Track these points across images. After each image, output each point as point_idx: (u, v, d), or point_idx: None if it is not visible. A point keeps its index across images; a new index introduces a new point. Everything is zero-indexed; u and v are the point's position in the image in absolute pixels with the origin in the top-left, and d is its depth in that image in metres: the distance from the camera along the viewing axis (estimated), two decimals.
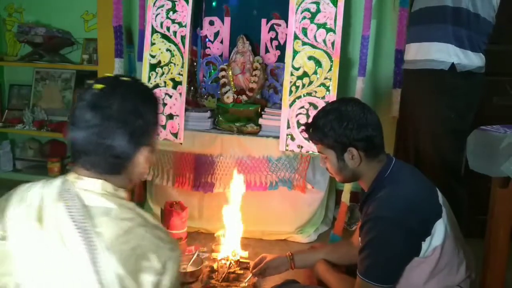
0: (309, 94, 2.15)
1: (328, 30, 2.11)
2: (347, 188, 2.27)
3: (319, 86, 2.14)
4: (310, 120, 1.44)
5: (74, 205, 0.81)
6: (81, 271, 0.77)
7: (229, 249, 1.96)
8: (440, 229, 1.25)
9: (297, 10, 2.14)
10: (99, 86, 0.87)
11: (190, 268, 1.84)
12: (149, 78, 2.31)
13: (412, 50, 1.91)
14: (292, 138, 2.16)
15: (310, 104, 2.14)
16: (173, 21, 2.28)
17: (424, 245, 1.23)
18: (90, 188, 0.85)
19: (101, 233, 0.78)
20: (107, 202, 0.84)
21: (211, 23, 2.58)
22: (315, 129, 1.37)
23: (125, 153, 0.88)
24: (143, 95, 0.93)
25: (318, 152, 1.42)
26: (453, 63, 1.73)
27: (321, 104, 2.07)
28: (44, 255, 0.79)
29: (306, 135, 1.46)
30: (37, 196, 0.84)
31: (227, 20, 2.56)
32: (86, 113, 0.85)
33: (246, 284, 1.61)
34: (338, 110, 1.33)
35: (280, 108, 2.23)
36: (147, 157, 0.93)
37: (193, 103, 2.53)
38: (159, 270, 0.81)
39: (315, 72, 2.13)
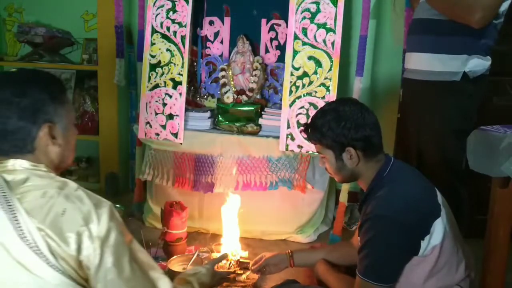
0: (309, 94, 2.15)
1: (328, 30, 2.11)
2: (345, 188, 2.27)
3: (319, 86, 2.14)
4: (309, 120, 1.44)
5: None
6: (3, 232, 0.87)
7: (229, 249, 1.96)
8: (439, 228, 1.25)
9: (297, 10, 2.14)
10: None
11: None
12: (149, 78, 2.31)
13: (417, 60, 1.87)
14: (292, 138, 2.16)
15: (310, 104, 2.14)
16: (173, 21, 2.28)
17: (423, 244, 1.24)
18: (10, 167, 0.97)
19: (20, 199, 0.90)
20: (23, 174, 0.95)
21: (211, 23, 2.58)
22: (313, 129, 1.37)
23: (23, 133, 0.97)
24: (26, 77, 1.01)
25: (317, 152, 1.43)
26: (464, 72, 1.73)
27: (321, 104, 2.07)
28: None
29: (306, 135, 1.47)
30: None
31: (227, 20, 2.56)
32: None
33: (245, 277, 1.61)
34: (336, 110, 1.34)
35: (280, 108, 2.23)
36: (50, 134, 1.00)
37: (193, 103, 2.53)
38: (84, 222, 0.89)
39: (315, 72, 2.14)
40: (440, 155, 1.80)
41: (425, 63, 1.84)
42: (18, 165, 0.97)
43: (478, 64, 1.73)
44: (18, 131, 0.96)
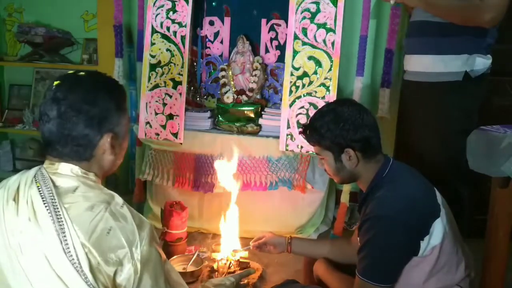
0: (309, 94, 2.15)
1: (328, 30, 2.11)
2: (346, 188, 2.27)
3: (319, 86, 2.14)
4: (307, 122, 1.44)
5: (46, 186, 0.92)
6: (48, 241, 0.86)
7: (229, 249, 1.96)
8: (438, 228, 1.25)
9: (297, 10, 2.14)
10: (56, 82, 0.98)
11: (190, 268, 1.84)
12: (149, 78, 2.31)
13: (418, 62, 1.87)
14: (292, 138, 2.16)
15: (310, 104, 2.14)
16: (173, 21, 2.28)
17: (423, 244, 1.24)
18: (61, 171, 0.96)
19: (68, 208, 0.89)
20: (74, 182, 0.94)
21: (211, 23, 2.58)
22: (312, 130, 1.38)
23: (86, 140, 0.97)
24: (97, 85, 1.00)
25: (316, 153, 1.43)
26: (466, 71, 1.73)
27: (321, 104, 2.07)
28: (18, 229, 0.88)
29: (304, 137, 1.47)
30: (15, 181, 0.95)
31: (227, 20, 2.56)
32: (47, 108, 0.96)
33: (247, 282, 1.62)
34: (334, 111, 1.34)
35: (280, 108, 2.23)
36: (111, 143, 1.00)
37: (193, 103, 2.53)
38: (126, 245, 0.88)
39: (315, 72, 2.14)
40: (443, 155, 1.79)
41: (426, 65, 1.83)
42: (69, 170, 0.96)
43: (479, 63, 1.73)
44: (82, 138, 0.96)
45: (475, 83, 1.74)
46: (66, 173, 0.96)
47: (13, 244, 0.88)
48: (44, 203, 0.88)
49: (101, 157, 1.01)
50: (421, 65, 1.86)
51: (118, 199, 0.95)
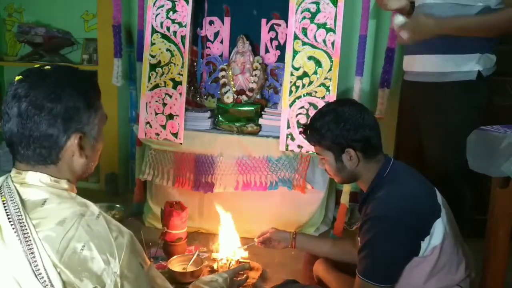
0: (309, 94, 2.15)
1: (328, 30, 2.11)
2: (346, 189, 2.27)
3: (319, 86, 2.14)
4: (308, 121, 1.44)
5: (12, 200, 0.83)
6: (17, 264, 0.78)
7: (229, 249, 1.96)
8: (439, 228, 1.25)
9: (297, 10, 2.14)
10: (17, 77, 0.88)
11: (190, 268, 1.84)
12: (149, 78, 2.31)
13: (425, 62, 1.83)
14: (292, 138, 2.16)
15: (310, 104, 2.14)
16: (173, 21, 2.28)
17: (423, 245, 1.24)
18: (28, 181, 0.87)
19: (37, 225, 0.80)
20: (43, 194, 0.85)
21: (211, 23, 2.58)
22: (313, 130, 1.37)
23: (50, 142, 0.87)
24: (63, 80, 0.89)
25: (316, 153, 1.43)
26: (479, 71, 1.72)
27: (321, 104, 2.07)
28: None
29: (305, 137, 1.46)
30: None
31: (227, 20, 2.56)
32: (7, 106, 0.86)
33: (246, 277, 1.62)
34: (334, 111, 1.33)
35: (280, 108, 2.23)
36: (80, 144, 0.90)
37: (193, 103, 2.53)
38: (103, 260, 0.81)
39: (315, 72, 2.14)
40: (454, 156, 1.75)
41: (435, 65, 1.79)
42: (38, 180, 0.87)
43: (488, 62, 1.72)
44: (46, 139, 0.86)
45: (485, 82, 1.73)
46: (34, 183, 0.87)
47: None
48: (10, 221, 0.80)
49: (71, 160, 0.91)
50: (428, 65, 1.82)
51: (93, 209, 0.87)
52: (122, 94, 2.83)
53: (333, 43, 2.11)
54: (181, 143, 2.28)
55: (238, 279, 1.50)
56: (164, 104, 2.28)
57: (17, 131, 0.86)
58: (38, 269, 0.78)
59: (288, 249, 1.74)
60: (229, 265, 1.87)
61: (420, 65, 1.86)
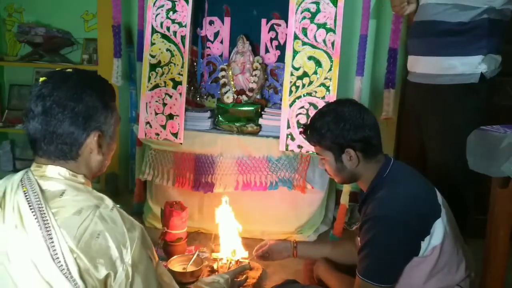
0: (309, 94, 2.15)
1: (328, 30, 2.11)
2: (346, 189, 2.27)
3: (319, 86, 2.14)
4: (308, 122, 1.44)
5: (32, 190, 0.89)
6: (36, 248, 0.84)
7: (229, 249, 1.96)
8: (439, 228, 1.25)
9: (297, 10, 2.14)
10: (42, 79, 0.96)
11: (190, 268, 1.84)
12: (149, 78, 2.31)
13: (427, 64, 1.84)
14: (292, 138, 2.16)
15: (310, 104, 2.14)
16: (173, 21, 2.28)
17: (423, 245, 1.24)
18: (48, 174, 0.94)
19: (55, 213, 0.87)
20: (61, 186, 0.92)
21: (211, 23, 2.58)
22: (313, 130, 1.37)
23: (72, 139, 0.94)
24: (84, 82, 0.98)
25: (316, 153, 1.43)
26: (482, 73, 1.71)
27: (321, 104, 2.07)
28: (5, 237, 0.87)
29: (305, 137, 1.46)
30: (1, 186, 0.93)
31: (227, 20, 2.56)
32: (32, 105, 0.93)
33: (245, 277, 1.61)
34: (334, 111, 1.34)
35: (280, 108, 2.23)
36: (98, 142, 0.98)
37: (193, 103, 2.53)
38: (116, 249, 0.86)
39: (315, 72, 2.13)
40: (456, 157, 1.75)
41: (437, 67, 1.79)
42: (57, 173, 0.94)
43: (492, 63, 1.71)
44: (68, 135, 0.94)
45: (488, 84, 1.72)
46: (53, 176, 0.94)
47: (0, 252, 0.86)
48: (31, 209, 0.87)
49: (89, 157, 0.99)
50: (429, 66, 1.82)
51: (108, 202, 0.93)
52: (122, 94, 2.83)
53: (333, 43, 2.11)
54: (181, 143, 2.28)
55: (238, 279, 1.50)
56: (164, 104, 2.28)
57: (41, 128, 0.93)
58: (56, 254, 0.83)
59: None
60: (229, 265, 1.87)
61: (423, 67, 1.85)
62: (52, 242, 0.84)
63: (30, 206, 0.87)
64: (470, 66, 1.72)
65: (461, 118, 1.75)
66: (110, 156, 1.06)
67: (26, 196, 0.88)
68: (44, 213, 0.86)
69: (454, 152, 1.76)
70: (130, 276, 0.87)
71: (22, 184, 0.91)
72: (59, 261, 0.83)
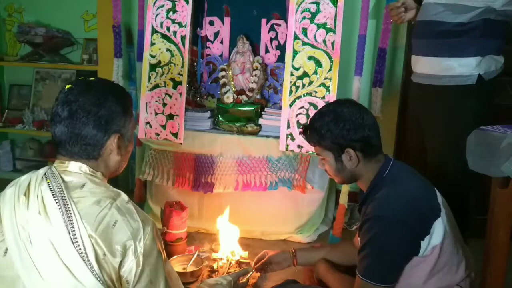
0: (309, 94, 2.14)
1: (328, 30, 2.11)
2: (345, 189, 2.26)
3: (319, 86, 2.14)
4: (307, 122, 1.44)
5: (56, 181, 0.97)
6: (57, 232, 0.91)
7: (229, 249, 1.96)
8: (439, 228, 1.25)
9: (297, 10, 2.14)
10: (68, 86, 1.06)
11: (190, 268, 1.84)
12: (149, 78, 2.31)
13: (427, 64, 1.84)
14: (292, 138, 2.16)
15: (310, 104, 2.14)
16: (173, 21, 2.28)
17: (423, 244, 1.24)
18: (70, 169, 1.03)
19: (76, 202, 0.95)
20: (82, 179, 1.01)
21: (211, 23, 2.58)
22: (312, 131, 1.37)
23: (94, 140, 1.04)
24: (106, 89, 1.08)
25: (316, 154, 1.43)
26: (479, 74, 1.71)
27: (321, 104, 2.07)
28: (28, 222, 0.93)
29: (305, 137, 1.46)
30: (26, 179, 1.00)
31: (227, 20, 2.56)
32: (59, 110, 1.02)
33: (247, 279, 1.61)
34: (334, 112, 1.34)
35: (280, 108, 2.23)
36: (118, 144, 1.08)
37: (193, 103, 2.53)
38: (131, 238, 0.94)
39: (315, 72, 2.13)
40: (455, 158, 1.75)
41: (436, 67, 1.79)
42: (78, 168, 1.03)
43: (492, 65, 1.71)
44: (91, 137, 1.03)
45: (489, 86, 1.72)
46: (75, 170, 1.02)
47: (23, 237, 0.91)
48: (54, 197, 0.94)
49: (108, 157, 1.08)
50: (430, 67, 1.82)
51: (124, 196, 1.02)
52: None
53: (333, 43, 2.11)
54: (181, 143, 2.28)
55: (240, 281, 1.51)
56: (164, 104, 2.28)
57: (67, 131, 1.02)
58: (76, 238, 0.90)
59: (287, 249, 1.73)
60: (229, 265, 1.87)
61: (423, 67, 1.85)
62: (73, 227, 0.90)
63: (53, 195, 0.94)
64: (467, 67, 1.71)
65: (459, 120, 1.75)
66: (127, 157, 1.17)
67: (50, 186, 0.96)
68: (67, 201, 0.93)
69: (453, 153, 1.76)
70: (141, 265, 0.94)
71: (46, 177, 0.98)
72: (78, 245, 0.89)
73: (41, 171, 1.01)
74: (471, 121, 1.70)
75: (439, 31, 1.76)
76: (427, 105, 1.87)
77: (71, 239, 0.90)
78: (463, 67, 1.72)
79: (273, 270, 1.68)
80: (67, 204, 0.93)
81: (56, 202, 0.93)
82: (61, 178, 0.99)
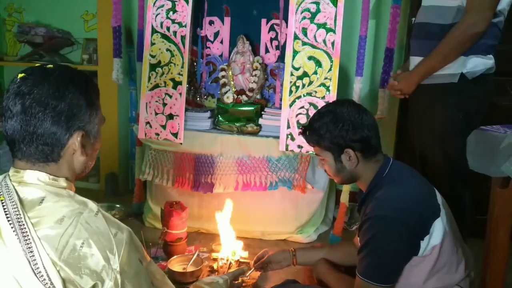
0: (309, 94, 2.15)
1: (328, 30, 2.11)
2: (346, 188, 2.27)
3: (319, 86, 2.14)
4: (307, 122, 1.45)
5: (10, 199, 0.83)
6: (16, 263, 0.79)
7: (229, 249, 1.96)
8: (438, 228, 1.25)
9: (297, 10, 2.14)
10: (20, 75, 0.89)
11: (190, 268, 1.84)
12: (149, 78, 2.31)
13: (414, 64, 1.86)
14: (292, 138, 2.16)
15: (310, 104, 2.14)
16: (173, 21, 2.28)
17: (423, 244, 1.24)
18: (26, 180, 0.88)
19: (35, 224, 0.81)
20: (41, 192, 0.86)
21: (211, 23, 2.58)
22: (311, 131, 1.38)
23: (54, 139, 0.88)
24: (66, 79, 0.90)
25: (316, 154, 1.43)
26: (462, 73, 1.72)
27: (321, 104, 2.07)
28: None
29: (304, 138, 1.47)
30: None
31: (227, 20, 2.56)
32: (10, 103, 0.87)
33: (247, 277, 1.62)
34: (333, 112, 1.34)
35: (280, 108, 2.23)
36: (82, 143, 0.92)
37: (193, 103, 2.53)
38: (102, 257, 0.81)
39: (315, 72, 2.13)
40: (442, 157, 1.79)
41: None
42: (36, 179, 0.88)
43: (477, 64, 1.72)
44: (49, 136, 0.87)
45: (474, 84, 1.73)
46: (32, 181, 0.87)
47: None
48: (9, 221, 0.81)
49: (71, 158, 0.92)
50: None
51: (92, 206, 0.87)
52: (122, 94, 2.83)
53: (333, 43, 2.11)
54: (181, 143, 2.28)
55: (236, 281, 1.51)
56: (164, 104, 2.28)
57: (21, 128, 0.86)
58: (38, 268, 0.78)
59: (288, 249, 1.73)
60: (229, 265, 1.87)
61: (413, 66, 1.88)
62: (33, 255, 0.78)
63: (8, 217, 0.81)
64: (451, 66, 1.74)
65: (441, 118, 1.78)
66: (94, 156, 1.00)
67: (3, 205, 0.82)
68: (23, 224, 0.80)
69: (438, 151, 1.80)
70: (120, 284, 0.82)
71: (0, 193, 0.85)
72: (41, 275, 0.78)
73: None
74: (454, 118, 1.74)
75: (426, 32, 1.80)
76: (414, 103, 1.92)
77: (33, 269, 0.77)
78: (446, 66, 1.74)
79: (273, 269, 1.68)
80: (24, 228, 0.79)
81: (11, 227, 0.79)
82: (17, 193, 0.84)
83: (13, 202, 0.83)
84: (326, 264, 1.60)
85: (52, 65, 0.93)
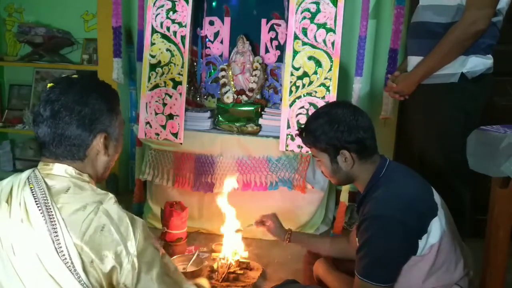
0: (309, 94, 2.15)
1: (328, 30, 2.11)
2: (345, 188, 2.27)
3: (319, 86, 2.14)
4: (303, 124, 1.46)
5: (39, 187, 0.94)
6: (41, 242, 0.88)
7: (229, 249, 1.96)
8: (436, 227, 1.25)
9: (297, 10, 2.14)
10: (49, 85, 1.02)
11: (190, 268, 1.84)
12: (149, 78, 2.31)
13: (412, 64, 1.86)
14: (292, 138, 2.16)
15: (310, 104, 2.14)
16: (173, 21, 2.28)
17: (421, 243, 1.24)
18: (55, 172, 0.99)
19: (61, 208, 0.91)
20: (67, 183, 0.97)
21: (211, 23, 2.58)
22: (307, 133, 1.39)
23: (79, 140, 1.00)
24: (89, 87, 1.03)
25: (313, 155, 1.45)
26: (462, 73, 1.72)
27: (321, 104, 2.07)
28: (11, 230, 0.91)
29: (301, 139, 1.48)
30: (8, 183, 0.98)
31: (227, 20, 2.56)
32: (41, 110, 0.99)
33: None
34: (328, 114, 1.35)
35: (280, 108, 2.23)
36: (104, 144, 1.03)
37: (193, 103, 2.53)
38: (121, 241, 0.90)
39: (315, 72, 2.14)
40: (442, 157, 1.79)
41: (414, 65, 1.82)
42: (63, 171, 0.99)
43: (477, 64, 1.72)
44: (75, 137, 0.99)
45: (474, 83, 1.73)
46: (59, 173, 0.98)
47: (5, 246, 0.89)
48: (37, 204, 0.90)
49: (95, 158, 1.04)
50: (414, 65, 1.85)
51: (111, 198, 0.97)
52: (122, 94, 2.81)
53: (333, 43, 2.11)
54: (181, 143, 2.28)
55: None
56: (164, 104, 2.28)
57: (50, 131, 0.98)
58: (60, 247, 0.87)
59: (287, 249, 1.74)
60: (229, 265, 1.87)
61: (412, 66, 1.87)
62: (57, 235, 0.87)
63: (36, 201, 0.90)
64: (451, 66, 1.73)
65: (442, 118, 1.78)
66: (115, 157, 1.10)
67: (32, 192, 0.92)
68: (50, 208, 0.89)
69: (438, 151, 1.80)
70: (137, 267, 0.91)
71: (28, 182, 0.95)
72: (63, 255, 0.86)
73: (24, 175, 0.98)
74: (456, 118, 1.74)
75: (424, 31, 1.79)
76: (414, 103, 1.90)
77: (56, 248, 0.87)
78: (446, 66, 1.73)
79: (269, 231, 1.81)
80: (51, 211, 0.89)
81: (39, 209, 0.89)
82: (45, 182, 0.95)
83: (41, 189, 0.93)
84: (326, 264, 1.60)
85: (76, 75, 1.07)
